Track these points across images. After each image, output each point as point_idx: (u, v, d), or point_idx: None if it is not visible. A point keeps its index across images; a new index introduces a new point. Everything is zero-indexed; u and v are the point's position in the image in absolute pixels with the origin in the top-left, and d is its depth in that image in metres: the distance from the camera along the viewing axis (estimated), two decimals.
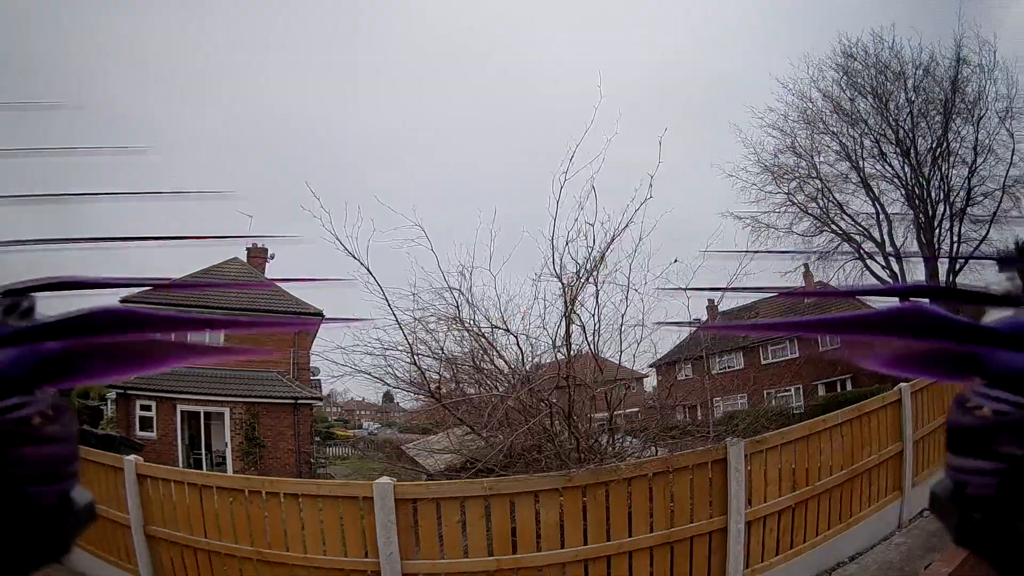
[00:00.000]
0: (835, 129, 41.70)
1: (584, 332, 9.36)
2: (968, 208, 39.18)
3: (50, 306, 0.89)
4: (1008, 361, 0.88)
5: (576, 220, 9.19)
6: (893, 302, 1.03)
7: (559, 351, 9.34)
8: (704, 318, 46.29)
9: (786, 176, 41.95)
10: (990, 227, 38.16)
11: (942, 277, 38.23)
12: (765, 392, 45.52)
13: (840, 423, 8.41)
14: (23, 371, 0.83)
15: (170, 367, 0.94)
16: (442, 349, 9.99)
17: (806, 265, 43.40)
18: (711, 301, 50.83)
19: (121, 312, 0.86)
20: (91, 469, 8.31)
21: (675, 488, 7.28)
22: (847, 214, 41.70)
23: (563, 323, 9.21)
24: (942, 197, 39.80)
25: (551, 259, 9.25)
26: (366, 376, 10.04)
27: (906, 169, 40.51)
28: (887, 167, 41.13)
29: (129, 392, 25.82)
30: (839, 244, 41.78)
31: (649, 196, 9.15)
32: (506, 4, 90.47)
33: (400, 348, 9.64)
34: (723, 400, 47.16)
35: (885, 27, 48.85)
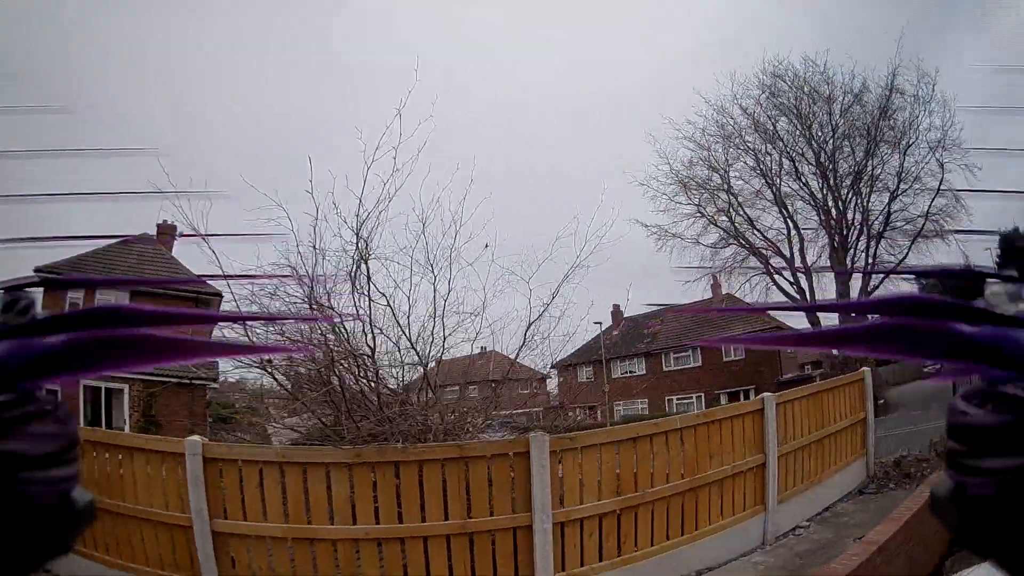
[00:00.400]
0: (753, 146, 42.16)
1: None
2: (886, 232, 40.06)
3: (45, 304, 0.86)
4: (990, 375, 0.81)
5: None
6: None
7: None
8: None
9: (698, 188, 42.30)
10: (908, 251, 39.24)
11: (854, 294, 39.15)
12: (666, 398, 46.01)
13: (680, 428, 8.12)
14: (21, 366, 0.79)
15: (170, 363, 0.91)
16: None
17: (715, 276, 44.00)
18: (616, 306, 51.68)
19: (120, 308, 0.83)
20: None
21: (471, 477, 7.00)
22: (757, 229, 42.22)
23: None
24: (860, 220, 40.59)
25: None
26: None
27: (824, 190, 41.13)
28: (804, 187, 41.75)
29: None
30: (746, 257, 42.27)
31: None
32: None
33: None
34: (624, 404, 47.64)
35: (820, 51, 49.83)
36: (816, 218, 41.85)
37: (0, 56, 42.94)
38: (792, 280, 41.07)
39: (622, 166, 70.72)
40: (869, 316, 0.87)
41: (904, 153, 39.32)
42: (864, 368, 11.05)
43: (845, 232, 40.64)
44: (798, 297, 41.04)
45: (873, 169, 40.17)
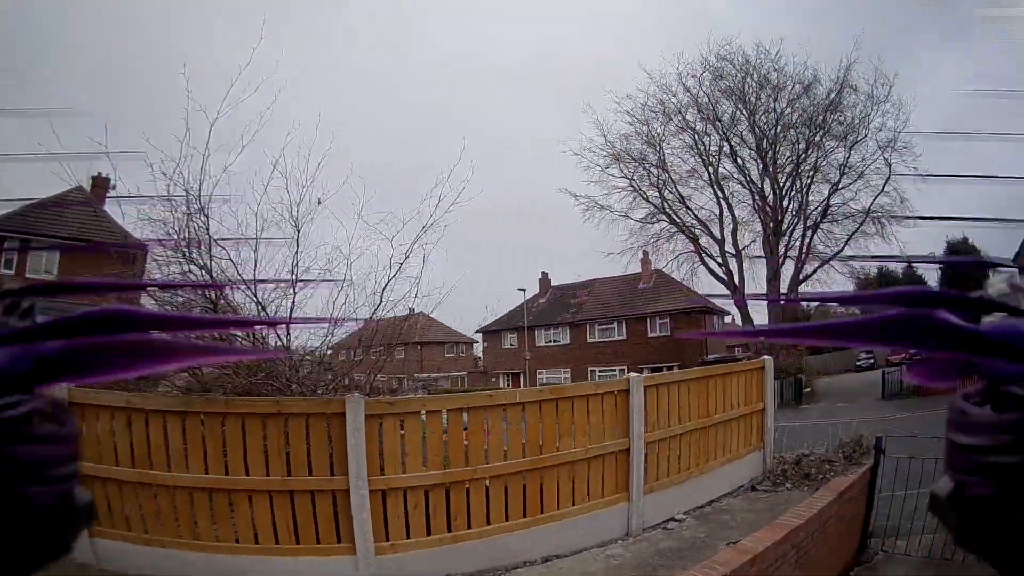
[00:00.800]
0: (692, 126, 42.23)
1: None
2: (823, 223, 40.49)
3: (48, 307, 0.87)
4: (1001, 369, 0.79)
5: None
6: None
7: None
8: None
9: (632, 162, 42.26)
10: (846, 244, 40.01)
11: (784, 282, 39.72)
12: (589, 369, 46.22)
13: (521, 403, 7.53)
14: (22, 370, 0.78)
15: (172, 367, 1.07)
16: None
17: (645, 252, 44.15)
18: (544, 274, 51.78)
19: (121, 311, 0.82)
20: None
21: (291, 436, 6.62)
22: (688, 208, 42.40)
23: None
24: (797, 208, 41.03)
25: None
26: None
27: (763, 176, 41.42)
28: (741, 170, 42.01)
29: None
30: (675, 233, 42.48)
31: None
32: None
33: None
34: (547, 372, 47.78)
35: (774, 40, 50.14)
36: (751, 202, 42.06)
37: None
38: (721, 261, 41.41)
39: (560, 136, 70.40)
40: (859, 309, 0.88)
41: (850, 148, 39.85)
42: (765, 356, 10.54)
43: (780, 218, 40.95)
44: (725, 278, 41.41)
45: (817, 160, 40.62)
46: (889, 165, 38.63)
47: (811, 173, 40.61)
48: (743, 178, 41.83)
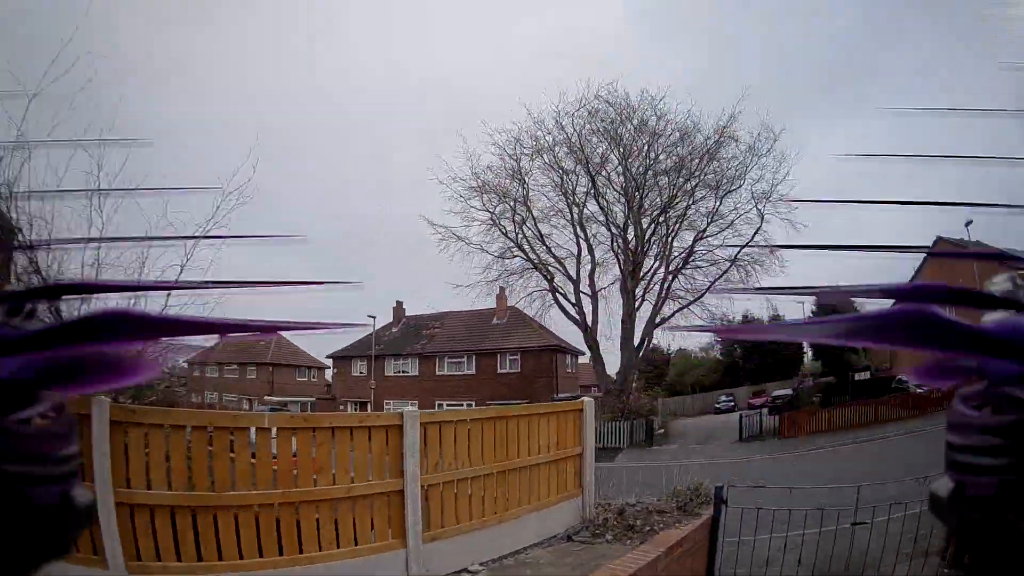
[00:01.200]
0: (562, 164, 42.17)
1: None
2: (684, 269, 41.45)
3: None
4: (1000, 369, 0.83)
5: None
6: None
7: None
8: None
9: (497, 196, 41.88)
10: (707, 291, 40.53)
11: (641, 320, 39.91)
12: (437, 402, 45.99)
13: (269, 428, 6.61)
14: (27, 378, 0.81)
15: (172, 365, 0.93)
16: None
17: (501, 288, 43.94)
18: (399, 303, 50.94)
19: (121, 314, 0.83)
20: None
21: None
22: (546, 245, 42.29)
23: None
24: (662, 253, 41.48)
25: None
26: None
27: (629, 219, 41.64)
28: (603, 211, 42.15)
29: None
30: (528, 269, 42.30)
31: None
32: None
33: None
34: (394, 403, 46.98)
35: (660, 87, 50.92)
36: (612, 243, 42.23)
37: None
38: (574, 300, 41.36)
39: (428, 163, 70.87)
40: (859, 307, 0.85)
41: (721, 198, 40.47)
42: (585, 398, 9.62)
43: (641, 261, 41.28)
44: (577, 318, 41.30)
45: (686, 208, 41.14)
46: (762, 216, 39.73)
47: (679, 220, 41.19)
48: (605, 219, 41.95)
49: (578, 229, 42.06)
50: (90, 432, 5.74)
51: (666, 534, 8.16)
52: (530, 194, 42.12)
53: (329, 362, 56.31)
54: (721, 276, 40.59)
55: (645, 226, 41.46)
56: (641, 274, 41.38)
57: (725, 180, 40.52)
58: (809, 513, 7.49)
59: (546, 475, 8.58)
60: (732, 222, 40.89)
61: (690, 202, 41.23)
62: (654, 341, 46.03)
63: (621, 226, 41.97)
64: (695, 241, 41.34)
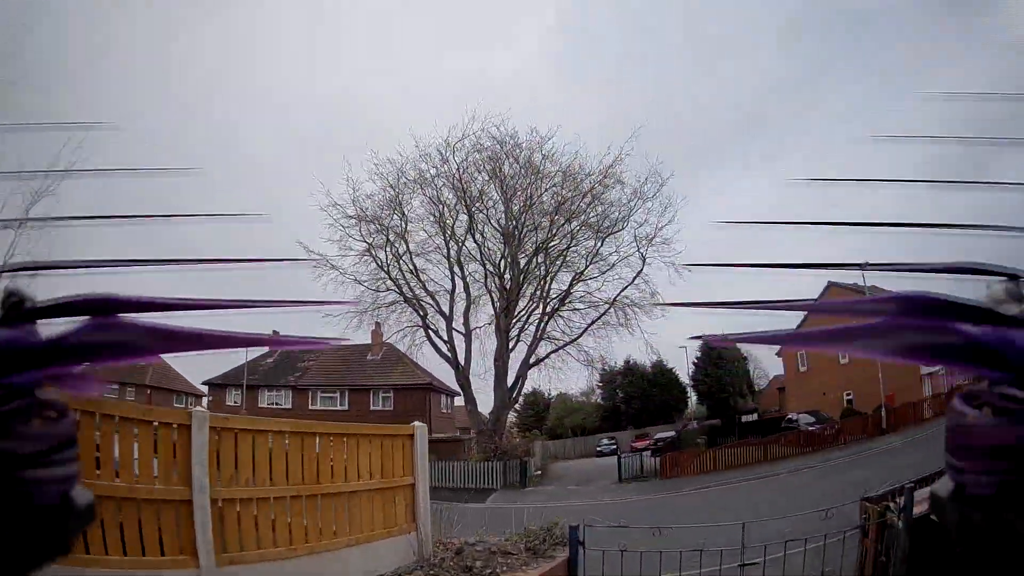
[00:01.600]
0: (442, 198, 41.95)
1: None
2: (561, 310, 41.56)
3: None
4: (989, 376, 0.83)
5: None
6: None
7: None
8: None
9: (376, 226, 41.33)
10: (584, 332, 41.19)
11: (516, 358, 39.74)
12: None
13: None
14: (33, 346, 0.83)
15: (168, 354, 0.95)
16: None
17: (377, 323, 43.42)
18: (275, 332, 49.68)
19: (112, 299, 0.86)
20: None
21: None
22: (420, 279, 41.90)
23: None
24: (538, 294, 41.47)
25: None
26: None
27: (506, 257, 41.53)
28: (479, 247, 42.02)
29: None
30: (397, 300, 41.88)
31: None
32: None
33: None
34: None
35: (552, 127, 51.33)
36: (486, 281, 42.12)
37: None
38: (446, 338, 41.01)
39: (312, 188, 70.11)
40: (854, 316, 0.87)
41: (603, 239, 40.61)
42: (416, 423, 8.94)
43: (515, 299, 41.12)
44: (449, 355, 40.94)
45: (567, 249, 41.20)
46: (643, 259, 40.04)
47: (558, 259, 41.33)
48: (481, 255, 41.87)
49: (455, 266, 41.93)
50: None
51: None
52: (408, 227, 41.67)
53: (205, 388, 54.27)
54: (599, 318, 41.04)
55: (523, 265, 41.55)
56: (516, 313, 41.41)
57: (608, 221, 40.93)
58: (686, 555, 6.96)
59: (370, 505, 7.95)
60: (613, 264, 41.29)
61: (571, 243, 41.55)
62: (534, 385, 46.19)
63: (497, 264, 42.09)
64: (572, 282, 41.70)
